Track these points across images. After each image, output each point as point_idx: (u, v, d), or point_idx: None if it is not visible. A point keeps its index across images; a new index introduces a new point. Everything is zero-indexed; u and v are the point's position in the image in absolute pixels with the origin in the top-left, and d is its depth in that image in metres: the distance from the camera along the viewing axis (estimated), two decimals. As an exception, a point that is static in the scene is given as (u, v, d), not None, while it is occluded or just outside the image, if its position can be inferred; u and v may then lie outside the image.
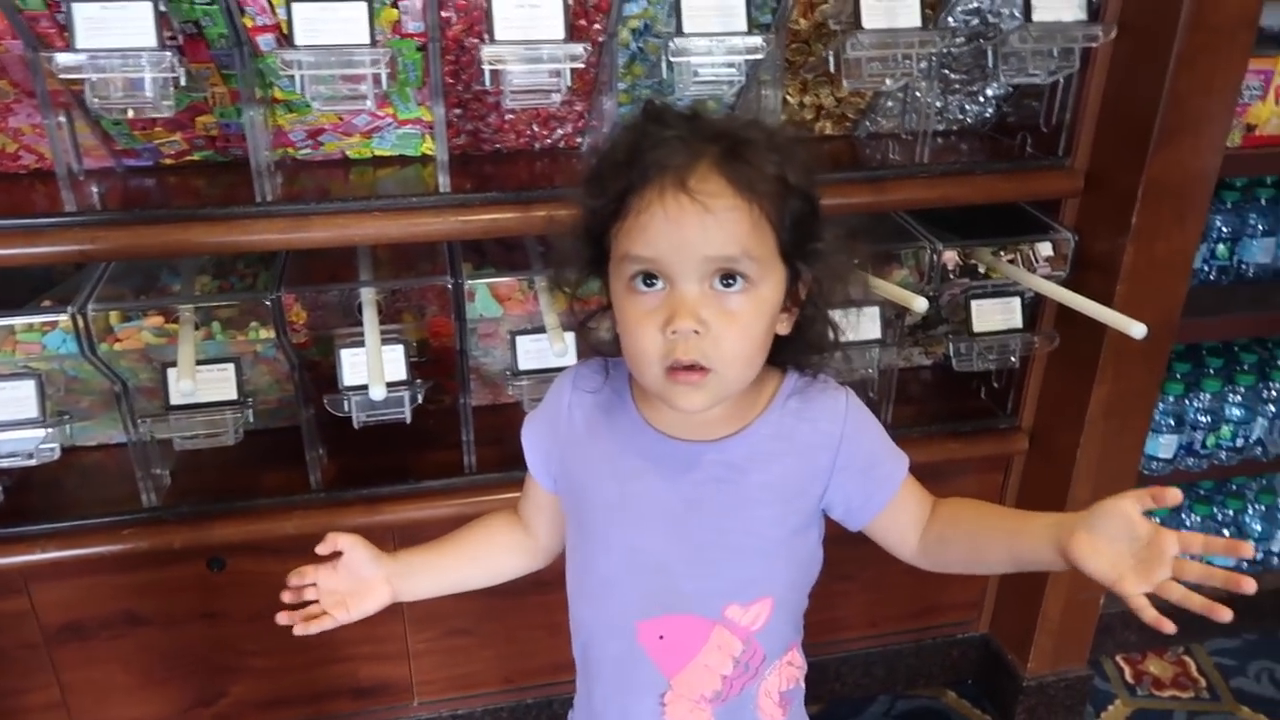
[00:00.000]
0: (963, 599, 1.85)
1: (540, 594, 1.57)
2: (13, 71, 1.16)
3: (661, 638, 0.94)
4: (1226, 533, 1.93)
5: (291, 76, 1.14)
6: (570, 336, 1.31)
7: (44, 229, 1.20)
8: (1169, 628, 0.81)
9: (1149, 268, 1.46)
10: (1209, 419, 1.81)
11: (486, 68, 1.17)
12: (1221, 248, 1.75)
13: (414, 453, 1.53)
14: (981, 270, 1.53)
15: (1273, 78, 1.56)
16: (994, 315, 1.54)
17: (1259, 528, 1.95)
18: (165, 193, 1.33)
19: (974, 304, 1.53)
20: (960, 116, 1.59)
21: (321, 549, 1.01)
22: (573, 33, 1.19)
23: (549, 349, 1.30)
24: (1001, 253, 1.52)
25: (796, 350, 0.92)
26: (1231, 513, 1.93)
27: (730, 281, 0.80)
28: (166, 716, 1.56)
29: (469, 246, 1.46)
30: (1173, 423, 1.78)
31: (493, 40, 1.16)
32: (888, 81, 1.32)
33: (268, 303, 1.26)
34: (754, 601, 0.92)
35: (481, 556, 1.06)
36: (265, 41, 1.18)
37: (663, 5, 1.28)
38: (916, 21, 1.29)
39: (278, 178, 1.31)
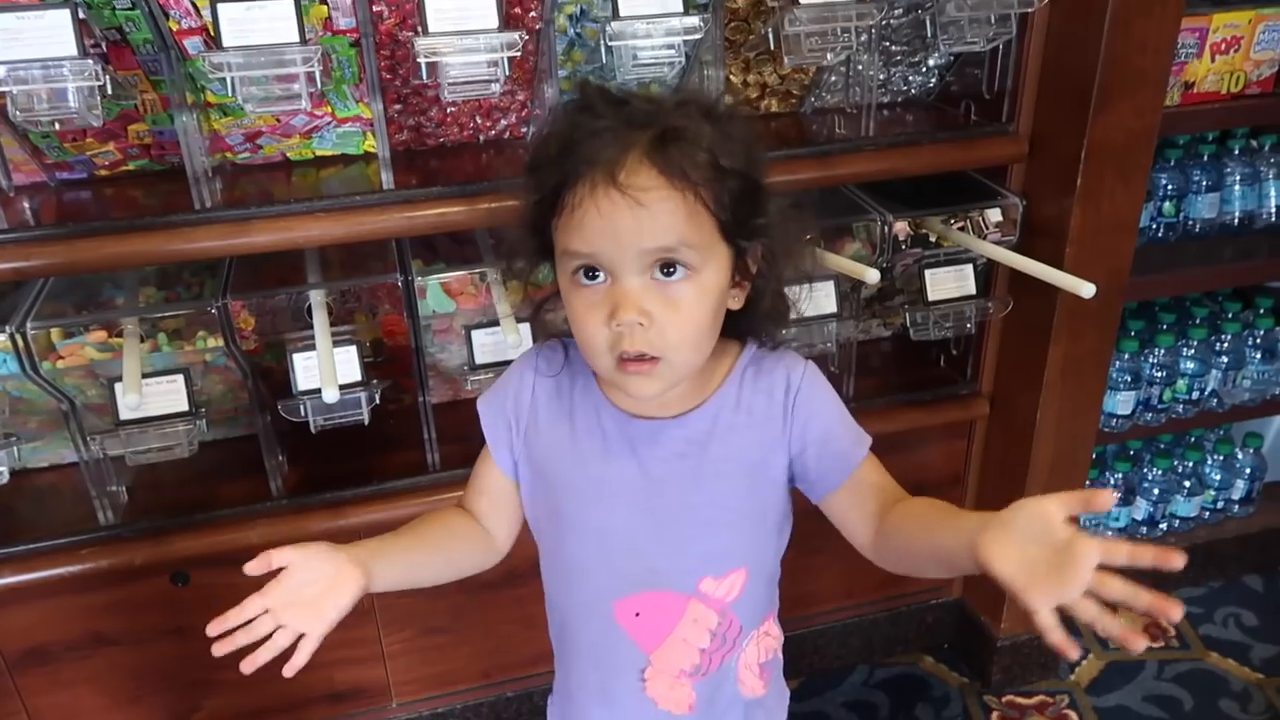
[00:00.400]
0: (934, 566, 1.85)
1: (514, 587, 1.56)
2: (-69, 88, 1.12)
3: (638, 615, 0.94)
4: (1187, 484, 1.95)
5: (222, 79, 1.11)
6: (525, 328, 1.30)
7: (-25, 248, 1.16)
8: (1073, 654, 0.70)
9: (1096, 228, 1.46)
10: (1164, 374, 1.82)
11: (422, 60, 1.15)
12: (1168, 205, 1.76)
13: (376, 454, 1.50)
14: (933, 239, 1.52)
15: (1207, 35, 1.56)
16: (948, 283, 1.54)
17: (1218, 477, 1.97)
18: (102, 205, 1.30)
19: (928, 273, 1.53)
20: (904, 88, 1.59)
21: (252, 568, 0.88)
22: (508, 21, 1.17)
23: (504, 341, 1.28)
24: (952, 221, 1.52)
25: (751, 322, 0.91)
26: (1191, 464, 1.96)
27: (670, 270, 0.80)
28: (139, 735, 1.54)
29: (419, 243, 1.43)
30: (1129, 379, 1.80)
31: (426, 32, 1.14)
32: (828, 56, 1.31)
33: (214, 311, 1.23)
34: (727, 574, 0.93)
35: (443, 548, 1.02)
36: (192, 45, 1.15)
37: (598, -11, 1.26)
38: (853, -6, 1.28)
39: (217, 183, 1.27)
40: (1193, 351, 1.83)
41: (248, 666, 0.85)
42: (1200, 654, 1.89)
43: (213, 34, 1.11)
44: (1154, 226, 1.77)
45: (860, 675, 1.87)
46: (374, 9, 1.19)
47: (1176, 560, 0.67)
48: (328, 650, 1.55)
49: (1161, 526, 1.97)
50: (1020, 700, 1.81)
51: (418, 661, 1.61)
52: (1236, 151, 1.77)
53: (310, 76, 1.12)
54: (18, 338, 1.17)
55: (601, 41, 1.23)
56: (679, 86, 1.36)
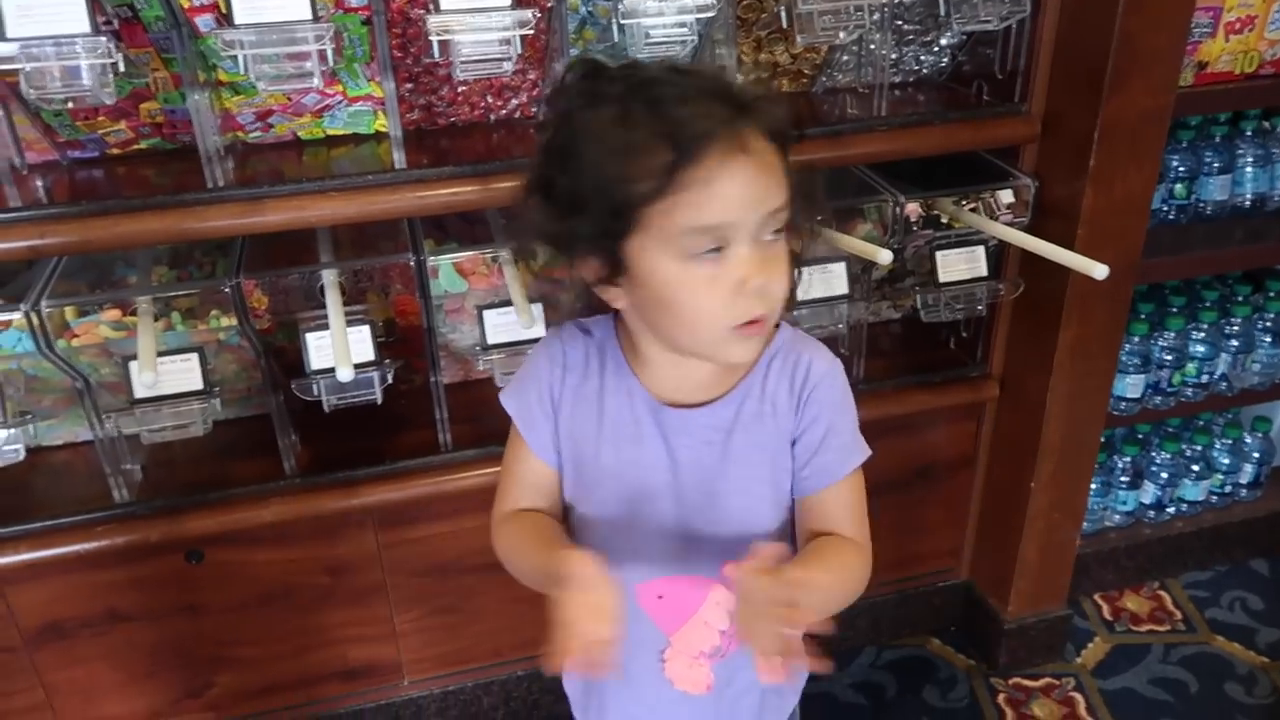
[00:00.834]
0: (942, 547, 1.85)
1: (522, 567, 1.56)
2: (-56, 66, 1.11)
3: (660, 598, 0.93)
4: (1196, 468, 1.93)
5: (234, 57, 1.10)
6: (538, 309, 1.29)
7: (-11, 226, 1.16)
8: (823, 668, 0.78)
9: (1108, 210, 1.44)
10: (1174, 357, 1.80)
11: (434, 38, 1.14)
12: (1179, 187, 1.74)
13: (388, 434, 1.50)
14: (944, 221, 1.51)
15: (1221, 14, 1.54)
16: (959, 265, 1.52)
17: (1227, 461, 1.96)
18: (114, 183, 1.29)
19: (939, 255, 1.52)
20: (916, 67, 1.57)
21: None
22: (520, -1, 1.16)
23: (516, 322, 1.27)
24: (963, 202, 1.50)
25: None
26: (1199, 448, 1.94)
27: (778, 231, 0.81)
28: (155, 711, 1.54)
29: (430, 223, 1.42)
30: (1139, 362, 1.78)
31: (438, 10, 1.13)
32: (841, 34, 1.29)
33: (227, 290, 1.23)
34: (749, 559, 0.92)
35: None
36: (204, 22, 1.14)
37: (611, -33, 1.25)
38: (867, -28, 1.26)
39: (229, 162, 1.26)
40: (1202, 335, 1.81)
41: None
42: (1206, 637, 1.88)
43: (224, 11, 1.10)
44: (1165, 208, 1.75)
45: (867, 657, 1.87)
46: (386, -14, 1.18)
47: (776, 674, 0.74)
48: (340, 628, 1.57)
49: (1169, 510, 1.96)
50: (1027, 682, 1.80)
51: (429, 640, 1.61)
52: (1249, 133, 1.74)
53: (322, 54, 1.11)
54: (33, 316, 1.17)
55: (614, 20, 1.21)
56: (691, 65, 1.34)
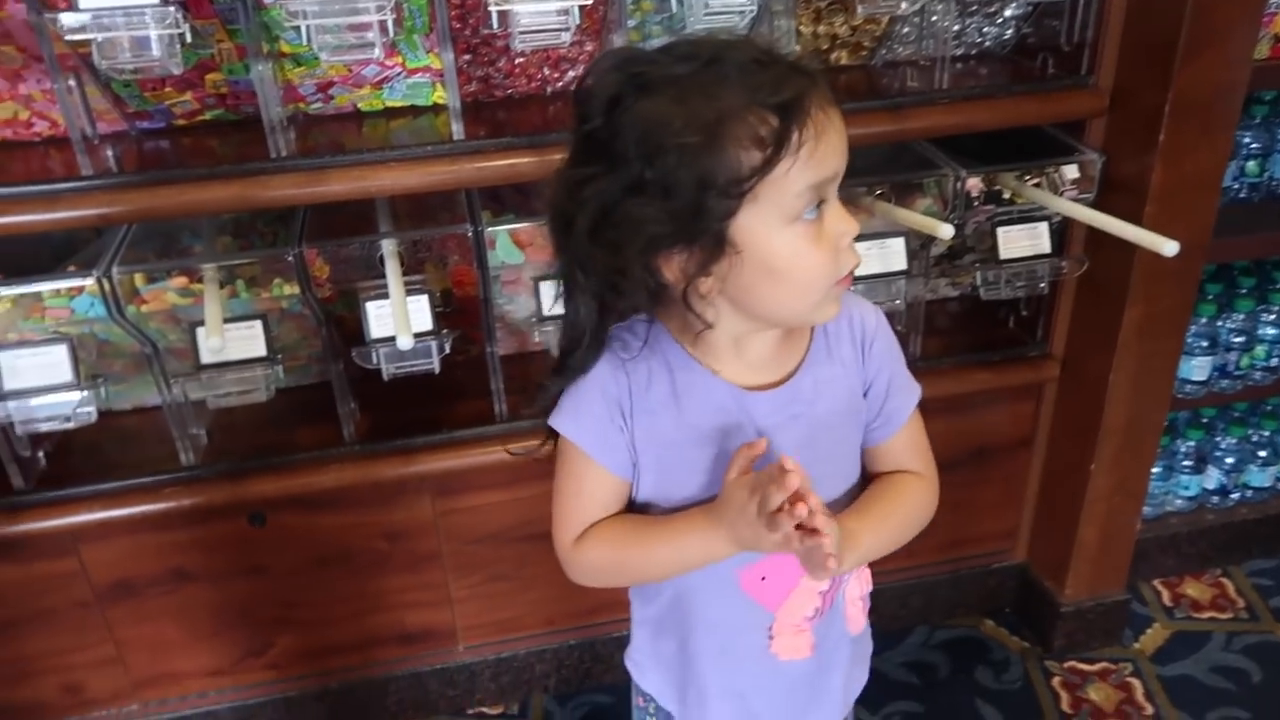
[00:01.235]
0: (998, 528, 1.80)
1: (575, 538, 1.56)
2: (19, 36, 1.13)
3: (763, 579, 0.92)
4: (1263, 454, 1.86)
5: (297, 28, 1.10)
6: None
7: (62, 194, 1.18)
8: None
9: (1178, 186, 1.39)
10: (1243, 339, 1.73)
11: (493, 9, 1.13)
12: (1251, 164, 1.66)
13: (444, 404, 1.50)
14: (1006, 196, 1.46)
15: (1302, -16, 1.47)
16: (1021, 241, 1.47)
17: (1295, 447, 1.88)
18: (180, 153, 1.30)
19: (1000, 231, 1.47)
20: (979, 40, 1.52)
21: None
22: (579, -31, 1.14)
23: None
24: (1026, 177, 1.45)
25: None
26: (1267, 433, 1.87)
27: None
28: (219, 668, 1.57)
29: (486, 194, 1.41)
30: (1206, 344, 1.71)
31: (498, -20, 1.11)
32: (903, 5, 1.26)
33: (290, 258, 1.23)
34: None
35: None
36: (269, -7, 1.14)
37: (670, -64, 1.22)
38: (931, -61, 1.22)
39: (290, 133, 1.27)
40: (1273, 317, 1.74)
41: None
42: (1270, 626, 1.82)
43: (289, -19, 1.10)
44: (1236, 186, 1.68)
45: (920, 636, 1.84)
46: (446, -43, 1.17)
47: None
48: (398, 593, 1.58)
49: (1234, 496, 1.89)
50: (1083, 667, 1.76)
51: (484, 607, 1.62)
52: (1327, 109, 1.66)
53: (383, 25, 1.11)
54: (104, 282, 1.19)
55: (672, -11, 1.19)
56: (749, 37, 1.31)
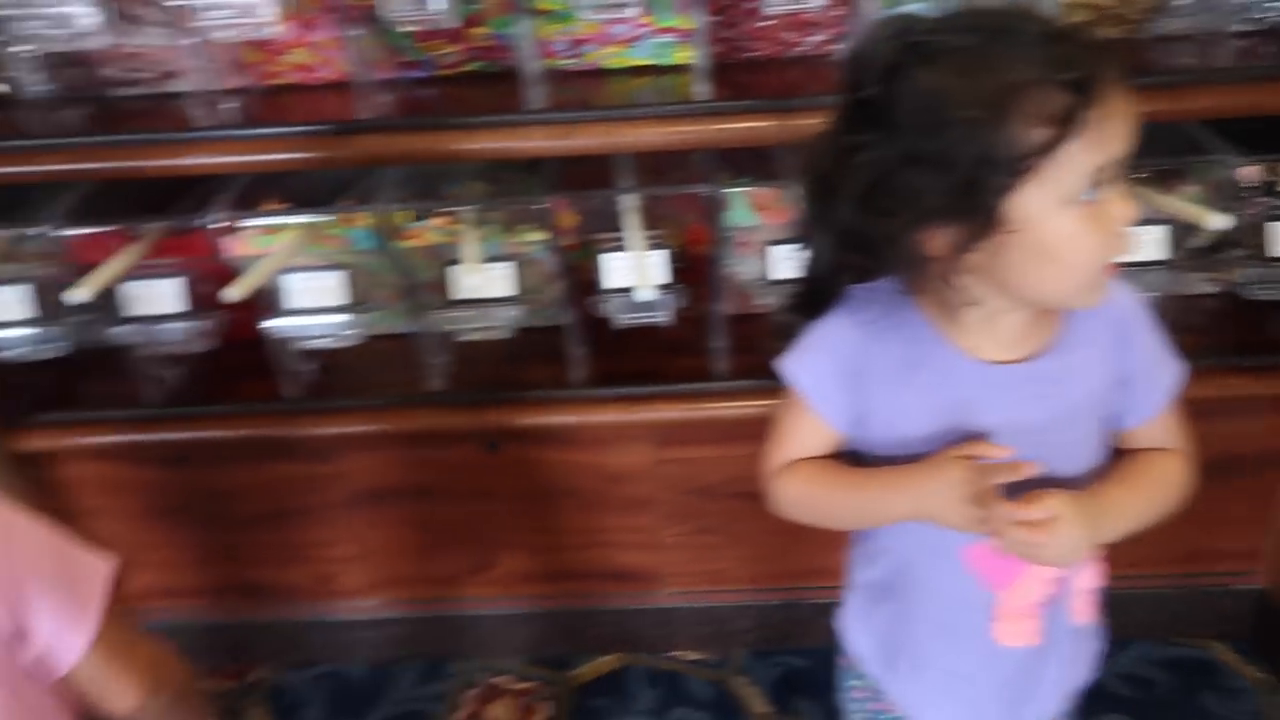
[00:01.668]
0: (1239, 547, 1.62)
1: (784, 500, 1.54)
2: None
3: (989, 558, 0.88)
4: None
5: (560, -13, 1.13)
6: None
7: (341, 135, 1.27)
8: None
9: None
10: None
11: (751, -31, 1.11)
12: None
13: (666, 357, 1.52)
14: (1288, 187, 1.29)
15: None
16: (1297, 238, 1.30)
17: None
18: (442, 102, 1.38)
19: (1272, 226, 1.30)
20: (1264, 15, 1.33)
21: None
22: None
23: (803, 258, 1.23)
24: (1318, 166, 1.27)
25: None
26: None
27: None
28: (446, 578, 1.68)
29: (719, 157, 1.40)
30: None
31: (756, -61, 1.09)
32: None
33: (542, 207, 1.28)
34: None
35: None
36: (538, -50, 1.17)
37: (936, -106, 1.15)
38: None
39: (544, 87, 1.31)
40: None
41: None
42: None
43: (557, -60, 1.12)
44: None
45: (1141, 650, 1.69)
46: (704, -84, 1.16)
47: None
48: (610, 533, 1.63)
49: None
50: (1330, 709, 1.56)
51: (690, 556, 1.64)
52: None
53: (643, -15, 1.12)
54: (378, 217, 1.28)
55: (936, -49, 1.12)
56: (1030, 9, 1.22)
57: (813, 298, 0.87)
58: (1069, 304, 0.82)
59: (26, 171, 1.27)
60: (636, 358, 1.52)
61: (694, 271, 1.47)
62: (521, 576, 1.68)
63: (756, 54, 1.39)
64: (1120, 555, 1.62)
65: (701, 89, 1.26)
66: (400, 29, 1.28)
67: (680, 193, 1.35)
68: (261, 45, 1.31)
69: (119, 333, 1.35)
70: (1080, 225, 0.73)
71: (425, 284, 1.42)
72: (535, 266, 1.43)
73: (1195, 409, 1.45)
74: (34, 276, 1.34)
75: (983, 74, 0.70)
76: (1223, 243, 1.46)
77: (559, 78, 1.39)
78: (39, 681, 0.79)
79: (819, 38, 1.36)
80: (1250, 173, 1.28)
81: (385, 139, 1.25)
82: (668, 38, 1.35)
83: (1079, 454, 0.88)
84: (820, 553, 1.49)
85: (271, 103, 1.36)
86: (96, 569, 0.80)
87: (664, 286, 1.31)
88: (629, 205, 1.30)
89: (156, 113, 1.36)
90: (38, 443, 1.47)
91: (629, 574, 1.67)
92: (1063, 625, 0.94)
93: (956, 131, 0.70)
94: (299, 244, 1.28)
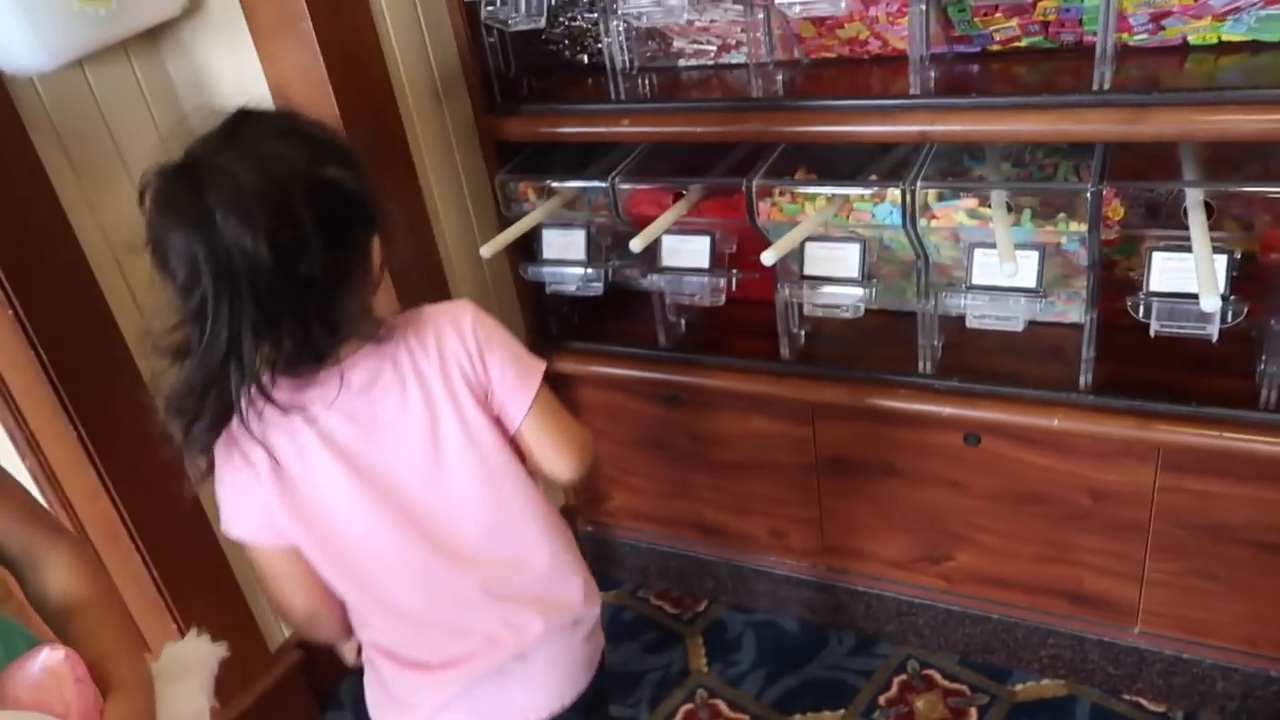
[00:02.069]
0: None
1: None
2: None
3: None
4: None
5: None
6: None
7: (892, 110, 1.25)
8: None
9: None
10: None
11: None
12: None
13: (1194, 374, 1.33)
14: None
15: None
16: None
17: None
18: (987, 78, 1.30)
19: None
20: None
21: None
22: None
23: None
24: None
25: None
26: None
27: None
28: (896, 560, 1.65)
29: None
30: None
31: None
32: None
33: (1087, 195, 1.16)
34: None
35: None
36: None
37: None
38: None
39: (1112, 65, 1.18)
40: None
41: None
42: None
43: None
44: None
45: None
46: None
47: None
48: (1084, 552, 1.48)
49: None
50: None
51: (1177, 598, 1.44)
52: None
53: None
54: (907, 194, 1.25)
55: None
56: None
57: None
58: None
59: (604, 132, 1.42)
60: (1157, 369, 1.34)
61: (1254, 283, 1.26)
62: (974, 576, 1.59)
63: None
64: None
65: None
66: (961, 2, 1.22)
67: (1262, 192, 1.15)
68: (819, 20, 1.33)
69: (650, 281, 1.46)
70: None
71: (937, 265, 1.37)
72: (1061, 259, 1.32)
73: None
74: (590, 223, 1.50)
75: None
76: None
77: (1125, 55, 1.25)
78: (504, 435, 1.00)
79: None
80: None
81: (934, 115, 1.21)
82: (1277, 9, 1.15)
83: None
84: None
85: (817, 76, 1.38)
86: (537, 361, 1.02)
87: (1222, 297, 1.13)
88: (1194, 201, 1.14)
89: (712, 83, 1.45)
90: (565, 365, 1.66)
91: (1096, 600, 1.51)
92: None
93: None
94: (827, 214, 1.29)
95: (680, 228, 1.40)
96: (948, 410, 1.41)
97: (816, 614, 1.78)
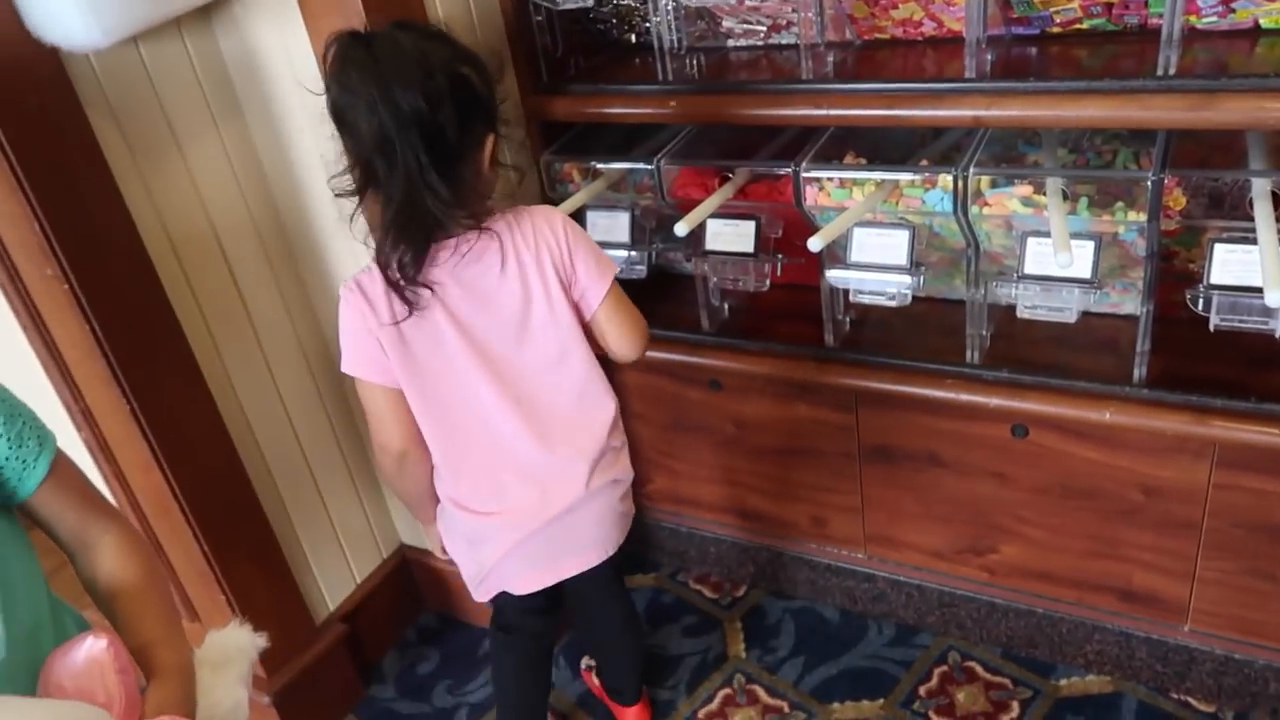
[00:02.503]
0: None
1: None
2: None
3: None
4: None
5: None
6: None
7: (946, 93, 1.22)
8: None
9: None
10: None
11: None
12: None
13: (1255, 370, 1.29)
14: None
15: None
16: None
17: None
18: (1046, 61, 1.27)
19: None
20: None
21: None
22: None
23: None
24: None
25: None
26: None
27: None
28: (939, 551, 1.63)
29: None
30: None
31: None
32: None
33: (1148, 184, 1.13)
34: None
35: None
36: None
37: None
38: None
39: (1178, 49, 1.14)
40: None
41: None
42: None
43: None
44: None
45: None
46: None
47: None
48: (1134, 549, 1.45)
49: None
50: None
51: (1230, 597, 1.41)
52: None
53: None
54: (959, 180, 1.22)
55: None
56: None
57: None
58: None
59: (650, 114, 1.41)
60: (1215, 364, 1.31)
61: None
62: (1019, 570, 1.57)
63: None
64: None
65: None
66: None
67: (1334, 183, 1.11)
68: (873, 0, 1.30)
69: (691, 264, 1.45)
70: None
71: (988, 253, 1.34)
72: (1118, 249, 1.29)
73: None
74: (635, 205, 1.49)
75: None
76: None
77: (1191, 38, 1.21)
78: (580, 320, 1.20)
79: None
80: None
81: (991, 99, 1.18)
82: (1359, -8, 1.10)
83: None
84: None
85: (869, 58, 1.35)
86: (611, 262, 1.21)
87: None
88: (1260, 191, 1.10)
89: (761, 64, 1.43)
90: (607, 349, 1.66)
91: (1146, 597, 1.48)
92: None
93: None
94: (876, 200, 1.27)
95: (726, 211, 1.39)
96: (995, 401, 1.38)
97: (857, 603, 1.77)
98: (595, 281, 1.18)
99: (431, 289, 1.11)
